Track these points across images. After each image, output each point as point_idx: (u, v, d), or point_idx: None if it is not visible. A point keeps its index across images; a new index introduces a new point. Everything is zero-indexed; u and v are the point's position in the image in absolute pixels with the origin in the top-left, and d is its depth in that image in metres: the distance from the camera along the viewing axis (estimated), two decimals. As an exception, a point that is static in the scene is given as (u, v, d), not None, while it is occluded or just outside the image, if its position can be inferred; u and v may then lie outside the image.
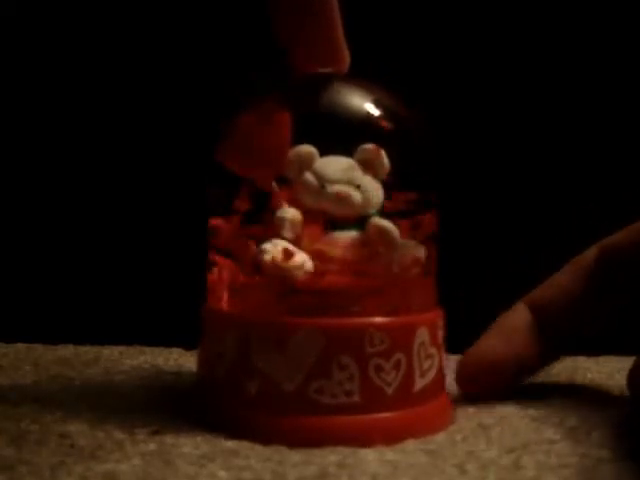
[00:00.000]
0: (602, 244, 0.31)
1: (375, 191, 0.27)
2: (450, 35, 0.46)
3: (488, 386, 0.30)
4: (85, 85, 0.47)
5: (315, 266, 0.26)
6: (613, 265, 0.30)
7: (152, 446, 0.24)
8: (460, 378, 0.30)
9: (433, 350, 0.27)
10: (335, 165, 0.27)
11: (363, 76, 0.29)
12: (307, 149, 0.27)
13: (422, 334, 0.26)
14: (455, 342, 0.30)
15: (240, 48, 0.45)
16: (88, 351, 0.40)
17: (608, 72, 0.46)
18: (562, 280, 0.31)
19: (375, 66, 0.28)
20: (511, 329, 0.31)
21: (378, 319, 0.26)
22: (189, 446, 0.24)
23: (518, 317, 0.31)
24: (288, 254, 0.25)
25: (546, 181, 0.46)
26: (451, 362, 0.30)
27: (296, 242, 0.26)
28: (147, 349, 0.41)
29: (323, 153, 0.27)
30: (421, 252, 0.27)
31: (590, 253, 0.31)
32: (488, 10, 0.46)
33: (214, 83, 0.45)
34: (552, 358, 0.32)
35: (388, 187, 0.27)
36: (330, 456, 0.23)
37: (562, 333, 0.31)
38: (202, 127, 0.33)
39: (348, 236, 0.26)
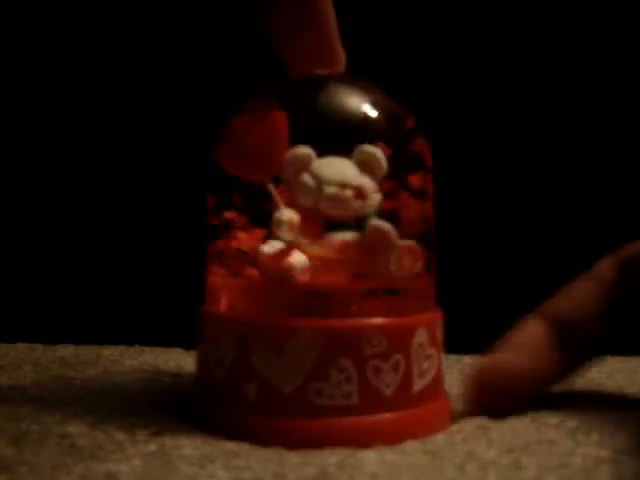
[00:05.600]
0: (620, 255, 0.30)
1: (372, 192, 0.27)
2: (446, 34, 0.46)
3: (503, 400, 0.29)
4: (84, 87, 0.47)
5: (313, 267, 0.26)
6: (635, 275, 0.29)
7: (152, 447, 0.24)
8: (474, 390, 0.29)
9: (432, 351, 0.27)
10: (332, 166, 0.27)
11: (360, 76, 0.29)
12: (304, 150, 0.26)
13: (421, 335, 0.26)
14: (455, 342, 0.30)
15: (237, 49, 0.45)
16: (88, 351, 0.40)
17: (604, 63, 0.46)
18: (581, 293, 0.30)
19: (371, 66, 0.28)
20: (532, 343, 0.30)
21: (376, 320, 0.25)
22: (189, 447, 0.24)
23: (538, 331, 0.30)
24: (285, 256, 0.25)
25: (545, 183, 0.46)
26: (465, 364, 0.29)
27: (294, 243, 0.26)
28: (147, 349, 0.41)
29: (320, 154, 0.27)
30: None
31: (606, 265, 0.30)
32: (485, 9, 0.45)
33: (211, 84, 0.45)
34: (572, 372, 0.31)
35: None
36: (330, 457, 0.23)
37: (585, 347, 0.30)
38: (200, 128, 0.33)
39: (346, 237, 0.26)
